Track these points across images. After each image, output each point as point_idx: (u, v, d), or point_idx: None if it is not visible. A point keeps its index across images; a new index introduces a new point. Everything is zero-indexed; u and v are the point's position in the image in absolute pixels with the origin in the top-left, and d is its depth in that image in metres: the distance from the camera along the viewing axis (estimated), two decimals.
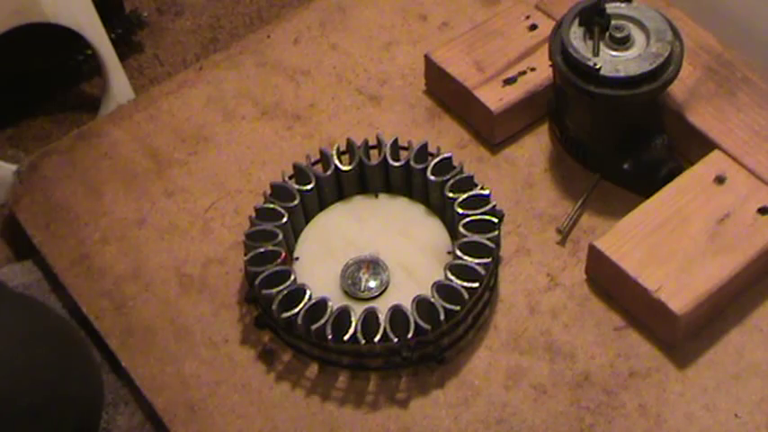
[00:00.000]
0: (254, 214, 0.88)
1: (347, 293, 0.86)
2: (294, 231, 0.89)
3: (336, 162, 0.90)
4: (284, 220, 0.87)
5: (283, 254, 0.85)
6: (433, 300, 0.81)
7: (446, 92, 0.99)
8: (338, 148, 0.91)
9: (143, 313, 0.88)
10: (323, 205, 0.91)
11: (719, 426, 0.80)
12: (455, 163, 0.89)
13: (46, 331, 0.77)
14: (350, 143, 0.91)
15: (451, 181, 0.88)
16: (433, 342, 0.82)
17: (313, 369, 0.85)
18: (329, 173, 0.90)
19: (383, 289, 0.86)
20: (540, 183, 0.95)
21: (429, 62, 0.99)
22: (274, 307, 0.82)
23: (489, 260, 0.83)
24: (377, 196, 0.92)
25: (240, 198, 0.95)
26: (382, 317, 0.81)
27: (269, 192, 0.89)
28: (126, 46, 1.13)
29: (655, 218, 0.86)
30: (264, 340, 0.86)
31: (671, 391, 0.82)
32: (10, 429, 0.67)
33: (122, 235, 0.93)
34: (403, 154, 0.91)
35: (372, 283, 0.86)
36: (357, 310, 0.82)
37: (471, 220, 0.85)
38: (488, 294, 0.86)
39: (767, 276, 0.87)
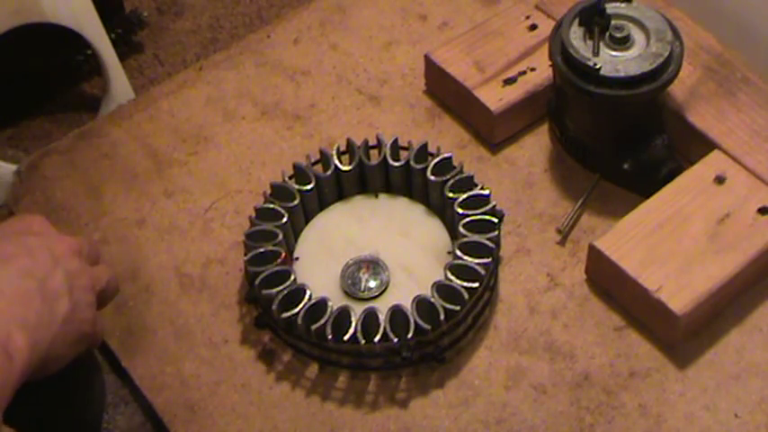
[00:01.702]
0: (254, 214, 0.88)
1: (347, 293, 0.86)
2: (294, 231, 0.89)
3: (336, 162, 0.90)
4: (284, 220, 0.87)
5: (283, 254, 0.85)
6: (433, 300, 0.81)
7: (446, 92, 0.99)
8: (338, 148, 0.91)
9: (143, 313, 0.88)
10: (323, 205, 0.91)
11: (719, 426, 0.80)
12: (455, 163, 0.89)
13: None
14: (350, 143, 0.91)
15: (451, 181, 0.88)
16: (433, 342, 0.82)
17: (313, 369, 0.85)
18: (329, 173, 0.90)
19: (383, 289, 0.86)
20: (540, 183, 0.95)
21: (429, 62, 0.99)
22: (274, 307, 0.82)
23: (489, 260, 0.83)
24: (377, 196, 0.92)
25: (240, 198, 0.95)
26: (382, 317, 0.81)
27: (269, 192, 0.89)
28: (126, 46, 1.13)
29: (655, 218, 0.86)
30: (264, 340, 0.86)
31: (671, 391, 0.82)
32: (8, 409, 0.66)
33: (122, 235, 0.93)
34: (403, 154, 0.91)
35: (372, 283, 0.86)
36: (357, 310, 0.81)
37: (471, 220, 0.85)
38: (488, 294, 0.86)
39: (767, 276, 0.87)
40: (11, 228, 0.73)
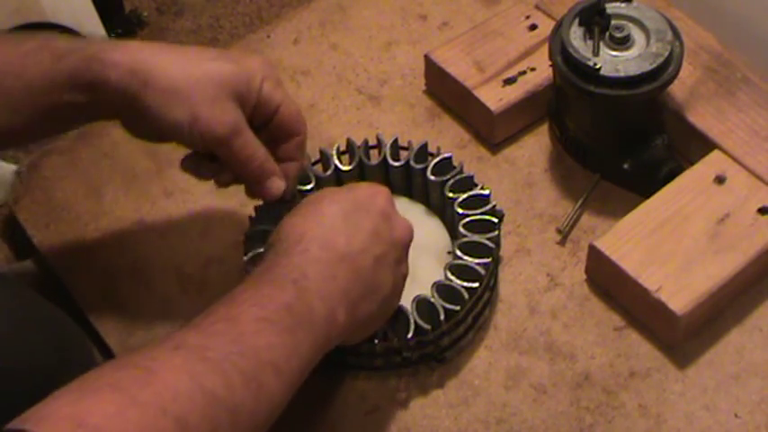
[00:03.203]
0: (254, 214, 0.87)
1: None
2: None
3: (336, 162, 0.90)
4: None
5: None
6: (432, 300, 0.81)
7: (446, 92, 0.99)
8: (338, 148, 0.91)
9: (143, 313, 0.88)
10: None
11: (719, 426, 0.80)
12: (455, 163, 0.89)
13: (46, 318, 0.77)
14: (350, 143, 0.91)
15: (451, 181, 0.88)
16: (433, 342, 0.82)
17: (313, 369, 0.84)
18: (329, 173, 0.90)
19: None
20: (540, 183, 0.95)
21: (429, 62, 0.99)
22: None
23: (489, 260, 0.83)
24: None
25: (240, 198, 0.95)
26: None
27: None
28: None
29: (655, 218, 0.86)
30: None
31: (671, 391, 0.82)
32: (10, 407, 0.66)
33: (122, 235, 0.93)
34: (403, 154, 0.91)
35: None
36: None
37: (471, 220, 0.85)
38: (488, 294, 0.86)
39: (767, 276, 0.87)
40: (361, 198, 0.76)
